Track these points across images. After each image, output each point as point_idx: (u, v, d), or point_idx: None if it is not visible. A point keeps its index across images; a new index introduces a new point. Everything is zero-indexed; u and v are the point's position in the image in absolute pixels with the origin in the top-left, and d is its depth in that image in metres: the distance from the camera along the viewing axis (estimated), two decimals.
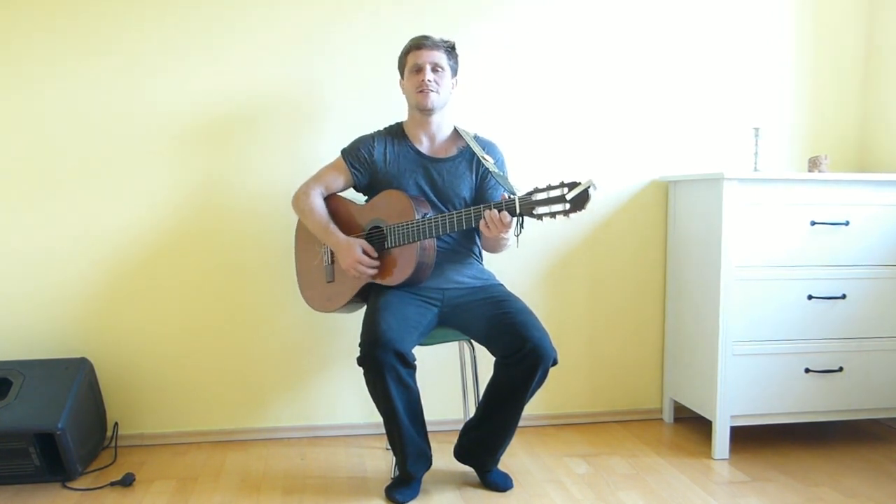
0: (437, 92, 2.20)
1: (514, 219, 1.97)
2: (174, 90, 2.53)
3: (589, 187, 1.84)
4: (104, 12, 2.48)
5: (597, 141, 2.76)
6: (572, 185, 1.87)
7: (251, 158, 2.58)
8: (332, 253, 2.30)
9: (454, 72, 2.27)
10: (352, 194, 2.36)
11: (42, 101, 2.48)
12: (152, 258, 2.57)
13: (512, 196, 1.97)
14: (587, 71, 2.74)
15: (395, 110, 2.43)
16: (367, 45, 2.60)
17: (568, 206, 1.87)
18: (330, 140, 2.56)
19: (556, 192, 1.89)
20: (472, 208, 2.03)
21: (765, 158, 2.81)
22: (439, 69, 2.20)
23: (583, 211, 1.86)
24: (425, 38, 2.22)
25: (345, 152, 2.31)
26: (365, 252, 2.18)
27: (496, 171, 2.17)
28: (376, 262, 2.18)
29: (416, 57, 2.20)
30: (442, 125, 2.29)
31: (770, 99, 2.86)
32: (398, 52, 2.30)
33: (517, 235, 2.01)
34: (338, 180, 2.32)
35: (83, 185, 2.51)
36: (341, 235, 2.22)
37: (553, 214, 1.89)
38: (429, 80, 2.18)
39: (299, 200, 2.31)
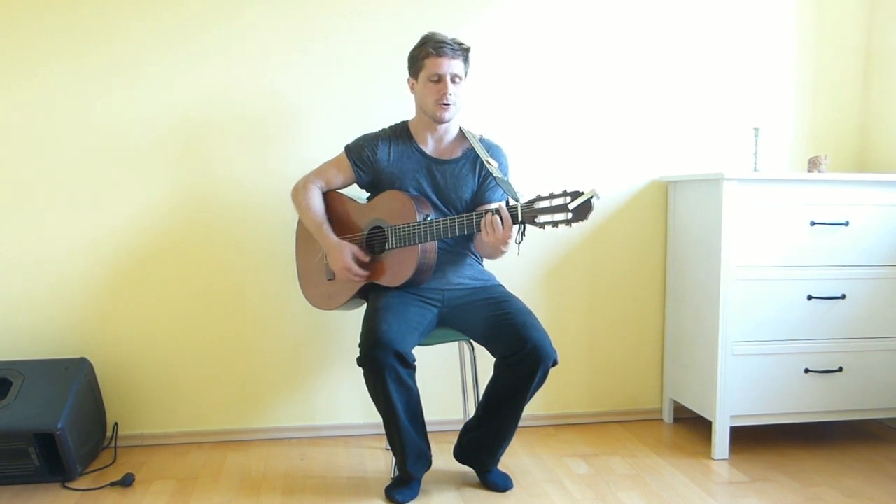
0: (455, 104, 2.17)
1: (516, 226, 1.96)
2: (174, 92, 2.52)
3: (592, 197, 1.83)
4: (103, 17, 2.47)
5: (597, 141, 2.76)
6: (575, 195, 1.85)
7: (250, 159, 2.58)
8: None
9: (466, 75, 2.23)
10: (354, 192, 2.36)
11: (40, 103, 2.47)
12: (152, 258, 2.57)
13: (514, 203, 1.96)
14: (587, 71, 2.74)
15: (390, 110, 2.44)
16: (360, 45, 2.59)
17: (570, 215, 1.85)
18: (329, 139, 2.55)
19: (558, 201, 1.87)
20: (474, 213, 2.01)
21: (765, 158, 2.81)
22: (458, 79, 2.16)
23: (585, 221, 1.85)
24: (445, 43, 2.14)
25: (348, 149, 2.30)
26: (356, 257, 2.18)
27: (499, 175, 2.15)
28: (364, 273, 2.17)
29: (436, 66, 2.13)
30: (449, 128, 2.27)
31: (770, 99, 2.86)
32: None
33: (518, 243, 1.99)
34: (339, 176, 2.31)
35: (83, 185, 2.51)
36: (333, 237, 2.22)
37: (555, 223, 1.87)
38: (450, 94, 2.14)
39: (298, 194, 2.31)
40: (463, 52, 2.17)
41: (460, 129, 2.31)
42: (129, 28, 2.49)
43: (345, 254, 2.17)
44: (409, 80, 2.25)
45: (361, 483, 2.27)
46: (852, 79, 2.91)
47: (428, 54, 2.14)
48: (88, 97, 2.49)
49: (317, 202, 2.29)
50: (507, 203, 1.98)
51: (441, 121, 2.19)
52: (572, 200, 1.85)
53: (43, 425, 2.17)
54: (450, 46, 2.14)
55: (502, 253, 2.15)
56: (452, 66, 2.14)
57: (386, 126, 2.33)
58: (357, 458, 2.49)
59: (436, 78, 2.14)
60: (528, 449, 2.55)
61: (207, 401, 2.64)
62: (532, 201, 1.92)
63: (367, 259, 2.19)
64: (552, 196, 1.89)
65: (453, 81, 2.15)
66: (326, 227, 2.25)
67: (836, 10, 2.88)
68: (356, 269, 2.17)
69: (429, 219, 2.08)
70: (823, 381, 2.49)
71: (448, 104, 2.15)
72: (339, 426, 2.71)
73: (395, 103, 2.43)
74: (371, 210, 2.24)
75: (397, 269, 2.15)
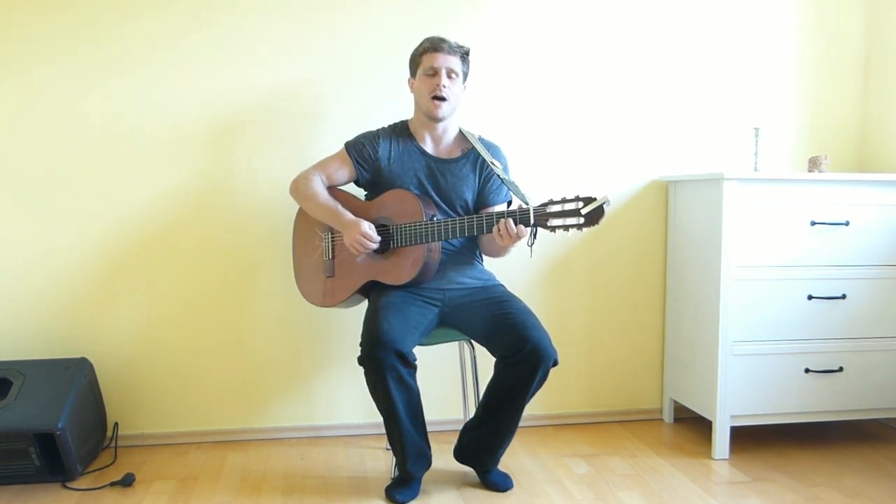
0: (448, 100, 2.18)
1: (528, 229, 1.98)
2: (173, 90, 2.52)
3: (604, 203, 1.86)
4: (104, 14, 2.47)
5: (597, 141, 2.76)
6: (588, 200, 1.88)
7: (249, 160, 2.58)
8: (332, 248, 2.29)
9: (465, 77, 2.25)
10: (353, 190, 2.36)
11: (42, 101, 2.47)
12: (152, 258, 2.57)
13: (526, 206, 1.97)
14: (587, 71, 2.74)
15: (391, 108, 2.45)
16: (360, 43, 2.59)
17: (582, 220, 1.88)
18: (328, 138, 2.55)
19: (570, 206, 1.90)
20: (483, 215, 2.02)
21: (765, 158, 2.82)
22: (454, 75, 2.18)
23: (596, 226, 1.88)
24: (443, 41, 2.18)
25: (349, 146, 2.29)
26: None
27: (506, 177, 2.15)
28: (377, 239, 2.14)
29: (432, 59, 2.17)
30: (448, 127, 2.27)
31: (770, 99, 2.86)
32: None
33: (530, 245, 2.01)
34: (340, 171, 2.29)
35: (83, 185, 2.51)
36: (350, 216, 2.18)
37: (566, 227, 1.90)
38: (444, 87, 2.15)
39: (300, 186, 2.28)
40: (461, 50, 2.20)
41: (460, 130, 2.31)
42: (128, 28, 2.49)
43: (361, 224, 2.13)
44: (409, 80, 2.27)
45: (361, 483, 2.27)
46: (852, 79, 2.92)
47: (425, 50, 2.19)
48: (88, 96, 2.49)
49: (323, 189, 2.26)
50: (519, 207, 1.99)
51: (434, 117, 2.19)
52: (585, 206, 1.88)
53: (43, 425, 2.17)
54: (447, 43, 2.18)
55: (508, 252, 2.21)
56: (449, 60, 2.17)
57: (385, 125, 2.34)
58: (357, 458, 2.49)
59: (431, 71, 2.17)
60: (528, 449, 2.55)
61: (207, 401, 2.64)
62: (544, 205, 1.94)
63: (380, 238, 2.16)
64: (564, 200, 1.92)
65: (449, 77, 2.17)
66: (341, 209, 2.21)
67: (835, 9, 2.88)
68: (371, 235, 2.11)
69: (434, 219, 2.09)
70: (823, 381, 2.49)
71: (443, 98, 2.16)
72: (339, 426, 2.70)
73: (398, 102, 2.43)
74: (376, 207, 2.23)
75: (402, 267, 2.14)
